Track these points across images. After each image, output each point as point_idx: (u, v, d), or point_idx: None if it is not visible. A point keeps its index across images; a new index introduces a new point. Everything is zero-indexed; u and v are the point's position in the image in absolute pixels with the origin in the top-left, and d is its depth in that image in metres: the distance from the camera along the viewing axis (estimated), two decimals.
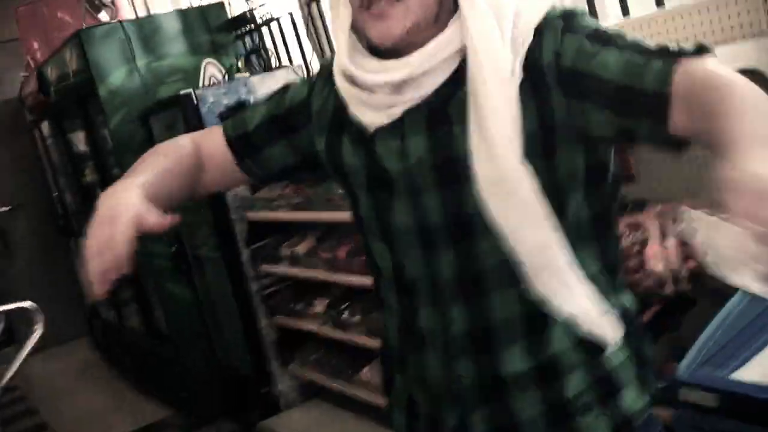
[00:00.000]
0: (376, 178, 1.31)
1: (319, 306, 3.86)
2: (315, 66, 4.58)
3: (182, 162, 1.45)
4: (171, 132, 4.55)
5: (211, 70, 4.89)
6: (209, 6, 4.96)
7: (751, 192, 0.84)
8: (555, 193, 1.20)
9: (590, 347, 1.26)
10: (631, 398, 1.30)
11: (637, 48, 1.13)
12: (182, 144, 1.51)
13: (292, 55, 4.73)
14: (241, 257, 4.27)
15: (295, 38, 4.52)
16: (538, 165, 1.17)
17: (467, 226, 1.22)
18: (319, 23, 4.37)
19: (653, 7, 2.52)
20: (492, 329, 1.27)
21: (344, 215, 3.28)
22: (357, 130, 1.31)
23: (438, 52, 1.20)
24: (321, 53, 4.44)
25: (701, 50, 1.09)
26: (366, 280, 3.32)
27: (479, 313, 1.26)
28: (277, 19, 4.57)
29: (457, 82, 1.20)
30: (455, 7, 1.20)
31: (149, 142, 4.69)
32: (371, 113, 1.27)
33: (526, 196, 1.16)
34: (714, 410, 1.68)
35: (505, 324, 1.26)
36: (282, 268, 4.07)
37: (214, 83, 4.78)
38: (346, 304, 3.67)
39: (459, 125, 1.19)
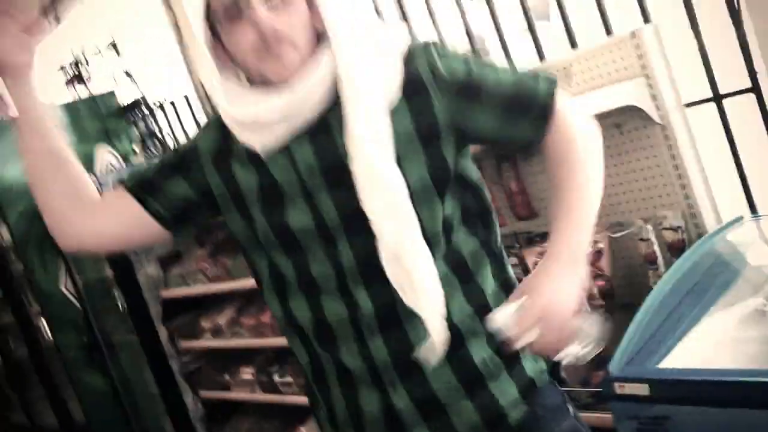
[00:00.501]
0: (269, 191, 1.47)
1: (247, 373, 3.93)
2: None
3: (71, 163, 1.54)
4: None
5: (106, 156, 4.95)
6: (100, 95, 5.05)
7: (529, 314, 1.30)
8: (432, 187, 1.44)
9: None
10: (529, 366, 1.55)
11: (519, 70, 1.52)
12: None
13: (189, 135, 4.86)
14: (158, 337, 4.31)
15: (191, 118, 4.66)
16: (414, 159, 1.41)
17: (359, 221, 1.40)
18: None
19: (538, 62, 2.83)
20: (396, 308, 1.44)
21: None
22: (246, 154, 1.48)
23: (317, 82, 1.39)
24: None
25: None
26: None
27: (382, 296, 1.44)
28: (171, 102, 4.70)
29: (332, 97, 1.41)
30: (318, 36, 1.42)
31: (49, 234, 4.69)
32: (259, 137, 1.43)
33: (392, 192, 1.37)
34: (647, 398, 1.91)
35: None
36: (204, 342, 4.13)
37: (111, 169, 4.85)
38: (276, 366, 3.76)
39: (338, 133, 1.40)
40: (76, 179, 1.54)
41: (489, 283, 1.56)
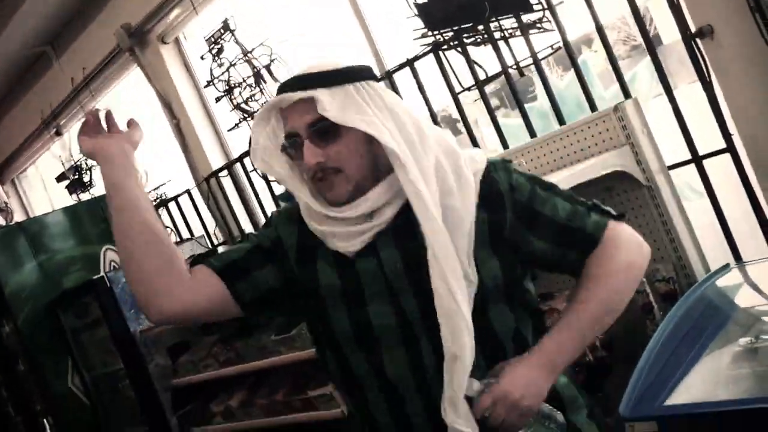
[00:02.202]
0: (353, 293, 1.60)
1: None
2: (219, 235, 4.93)
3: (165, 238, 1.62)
4: (83, 319, 4.71)
5: (111, 255, 5.12)
6: (101, 197, 5.25)
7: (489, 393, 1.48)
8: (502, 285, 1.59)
9: None
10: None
11: (575, 199, 1.65)
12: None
13: (192, 228, 5.06)
14: (169, 426, 4.38)
15: (194, 212, 4.86)
16: (486, 257, 1.56)
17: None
18: (219, 195, 4.73)
19: (527, 137, 3.08)
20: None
21: (280, 359, 3.58)
22: (332, 257, 1.61)
23: (382, 194, 1.56)
24: (224, 223, 4.79)
25: (620, 216, 1.67)
26: (309, 415, 3.59)
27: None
28: (175, 198, 4.91)
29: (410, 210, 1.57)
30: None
31: (60, 332, 4.82)
32: (346, 243, 1.58)
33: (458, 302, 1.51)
34: None
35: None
36: (215, 426, 4.22)
37: (115, 268, 5.01)
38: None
39: (421, 239, 1.54)
40: (172, 253, 1.60)
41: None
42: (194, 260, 1.69)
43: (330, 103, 1.52)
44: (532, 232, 1.60)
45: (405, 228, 1.55)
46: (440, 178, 1.54)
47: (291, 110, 1.56)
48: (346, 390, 1.72)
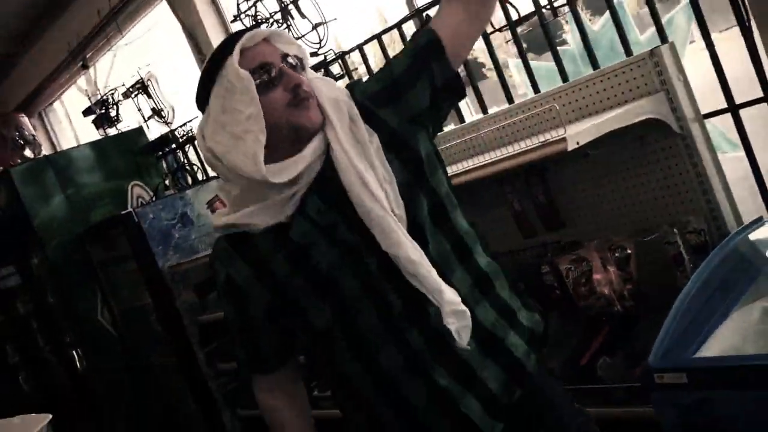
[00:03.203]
0: (301, 258, 1.70)
1: None
2: None
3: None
4: (111, 253, 4.77)
5: (138, 191, 5.16)
6: (129, 132, 5.26)
7: None
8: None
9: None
10: (525, 316, 1.84)
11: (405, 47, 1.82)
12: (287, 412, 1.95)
13: None
14: (197, 359, 4.47)
15: None
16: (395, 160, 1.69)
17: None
18: None
19: (560, 82, 3.03)
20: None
21: None
22: (277, 251, 1.71)
23: (311, 153, 1.66)
24: None
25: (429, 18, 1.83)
26: None
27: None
28: None
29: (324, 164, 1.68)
30: None
31: (88, 265, 4.89)
32: (279, 214, 1.69)
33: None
34: (685, 386, 2.07)
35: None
36: None
37: (142, 203, 5.05)
38: (314, 382, 3.91)
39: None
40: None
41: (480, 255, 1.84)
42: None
43: (291, 45, 1.73)
44: (401, 97, 1.73)
45: (322, 177, 1.68)
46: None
47: (256, 49, 1.68)
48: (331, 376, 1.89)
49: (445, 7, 1.75)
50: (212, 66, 1.68)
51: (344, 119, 1.68)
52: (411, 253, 1.62)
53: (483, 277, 1.79)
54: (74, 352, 5.28)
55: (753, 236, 2.43)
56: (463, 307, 1.65)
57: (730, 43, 2.67)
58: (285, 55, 1.68)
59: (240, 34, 1.68)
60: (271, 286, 1.74)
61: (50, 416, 2.63)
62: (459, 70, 1.77)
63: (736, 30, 2.54)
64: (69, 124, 7.39)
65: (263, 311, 1.79)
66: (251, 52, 1.67)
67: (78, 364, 5.23)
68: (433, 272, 1.64)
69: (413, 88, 1.72)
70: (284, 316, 1.79)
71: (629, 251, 2.69)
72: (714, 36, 2.69)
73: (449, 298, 1.63)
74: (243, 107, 1.63)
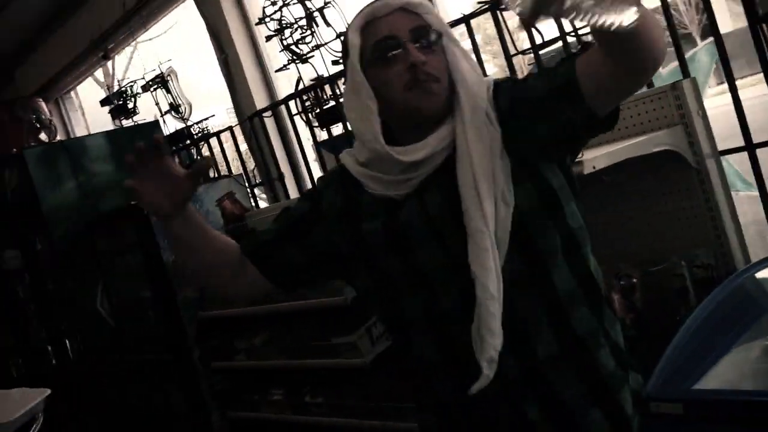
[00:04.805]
0: (401, 239, 1.61)
1: (277, 394, 4.07)
2: (257, 175, 4.96)
3: (226, 241, 1.78)
4: (117, 244, 4.78)
5: None
6: (144, 125, 5.28)
7: None
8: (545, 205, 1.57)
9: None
10: (633, 378, 1.69)
11: (547, 68, 1.61)
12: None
13: (231, 165, 5.09)
14: (191, 356, 4.46)
15: (234, 150, 4.88)
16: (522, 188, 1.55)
17: None
18: (261, 135, 4.74)
19: None
20: (527, 330, 1.57)
21: (307, 303, 3.62)
22: (377, 209, 1.64)
23: (440, 140, 1.57)
24: (263, 163, 4.81)
25: (588, 44, 1.52)
26: (332, 362, 3.63)
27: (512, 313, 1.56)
28: (217, 134, 4.93)
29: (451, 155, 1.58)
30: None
31: (93, 254, 4.90)
32: (396, 189, 1.61)
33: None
34: (681, 417, 2.07)
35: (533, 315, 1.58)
36: (237, 363, 4.29)
37: None
38: (307, 388, 3.91)
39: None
40: (232, 264, 1.75)
41: (603, 294, 1.69)
42: (238, 236, 1.82)
43: (431, 15, 1.57)
44: (521, 123, 1.54)
45: (447, 171, 1.57)
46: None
47: (387, 18, 1.57)
48: (397, 334, 1.74)
49: (594, 54, 1.43)
50: (348, 29, 1.63)
51: (478, 114, 1.55)
52: (490, 283, 1.50)
53: (577, 342, 1.60)
54: (66, 340, 5.27)
55: (760, 275, 2.44)
56: (494, 358, 1.52)
57: (747, 89, 2.69)
58: (419, 27, 1.55)
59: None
60: (349, 234, 1.67)
61: (48, 391, 2.64)
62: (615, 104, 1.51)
63: (756, 77, 2.56)
64: (82, 114, 7.43)
65: (323, 239, 1.70)
66: (382, 21, 1.56)
67: (70, 353, 5.23)
68: (497, 313, 1.50)
69: (545, 120, 1.52)
70: (334, 262, 1.72)
71: (635, 280, 2.70)
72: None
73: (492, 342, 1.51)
74: (358, 76, 1.58)
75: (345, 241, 1.68)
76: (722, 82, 2.66)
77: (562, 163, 1.63)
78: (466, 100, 1.55)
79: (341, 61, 1.72)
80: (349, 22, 1.63)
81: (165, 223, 1.67)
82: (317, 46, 4.09)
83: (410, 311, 1.64)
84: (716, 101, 2.79)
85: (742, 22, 2.69)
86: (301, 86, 4.30)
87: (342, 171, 1.71)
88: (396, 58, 1.54)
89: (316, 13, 4.08)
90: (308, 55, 4.13)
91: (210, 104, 5.25)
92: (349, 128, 3.65)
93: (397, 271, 1.63)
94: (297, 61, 4.20)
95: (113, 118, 5.48)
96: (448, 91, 1.58)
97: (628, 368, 1.68)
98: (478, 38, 3.55)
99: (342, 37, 3.85)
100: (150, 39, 5.72)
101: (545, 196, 1.57)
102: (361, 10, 1.60)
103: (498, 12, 3.30)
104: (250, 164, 4.96)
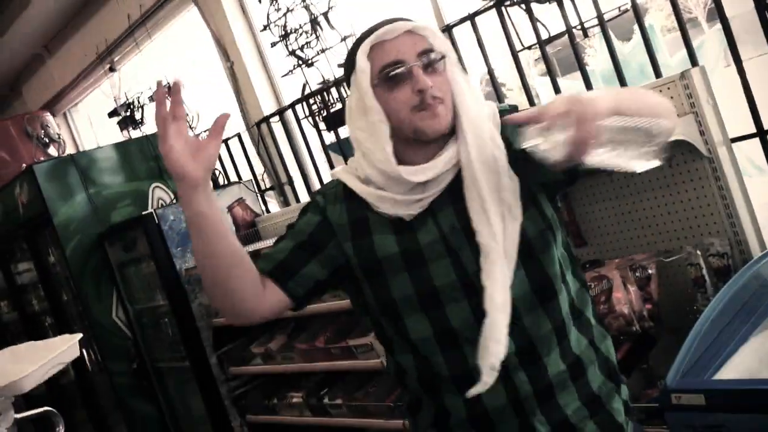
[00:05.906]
0: (413, 257, 1.64)
1: (296, 397, 4.08)
2: (266, 180, 4.96)
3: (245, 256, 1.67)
4: (130, 254, 4.80)
5: (159, 193, 5.19)
6: (152, 135, 5.29)
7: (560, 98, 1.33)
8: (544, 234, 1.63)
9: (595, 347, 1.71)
10: (623, 390, 1.77)
11: None
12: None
13: (240, 172, 5.09)
14: (208, 363, 4.47)
15: (243, 156, 4.88)
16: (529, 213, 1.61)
17: None
18: (269, 140, 4.75)
19: None
20: (534, 344, 1.63)
21: (323, 306, 3.62)
22: (388, 224, 1.66)
23: (447, 161, 1.61)
24: (272, 168, 4.81)
25: None
26: (346, 364, 3.64)
27: (519, 338, 1.61)
28: (225, 141, 4.94)
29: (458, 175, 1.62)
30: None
31: (106, 265, 4.92)
32: (406, 209, 1.64)
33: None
34: (703, 408, 2.06)
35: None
36: (254, 367, 4.30)
37: (162, 205, 5.08)
38: (325, 390, 3.92)
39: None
40: (251, 273, 1.65)
41: (591, 313, 1.76)
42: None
43: (436, 38, 1.62)
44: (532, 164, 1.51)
45: (457, 188, 1.62)
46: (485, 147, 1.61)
47: (394, 42, 1.60)
48: (400, 354, 1.75)
49: None
50: (353, 49, 1.65)
51: (480, 134, 1.60)
52: (497, 294, 1.55)
53: (576, 360, 1.69)
54: (84, 351, 5.29)
55: None
56: (496, 366, 1.57)
57: (759, 70, 2.67)
58: (426, 51, 1.59)
59: (383, 23, 1.62)
60: (358, 251, 1.68)
61: (80, 335, 2.60)
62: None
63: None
64: (90, 128, 7.45)
65: (338, 253, 1.70)
66: (389, 44, 1.60)
67: (88, 364, 5.24)
68: (503, 323, 1.56)
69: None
70: (348, 275, 1.72)
71: (651, 271, 2.69)
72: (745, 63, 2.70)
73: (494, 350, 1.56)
74: (369, 101, 1.61)
75: (355, 256, 1.69)
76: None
77: (553, 196, 1.71)
78: (467, 121, 1.61)
79: (345, 74, 1.73)
80: (355, 41, 1.67)
81: (192, 197, 1.53)
82: (322, 50, 4.10)
83: (418, 330, 1.67)
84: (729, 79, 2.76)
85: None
86: (307, 90, 4.30)
87: (342, 187, 1.74)
88: (403, 81, 1.59)
89: (320, 17, 4.09)
90: (313, 59, 4.14)
91: (219, 109, 5.23)
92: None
93: (406, 289, 1.65)
94: (302, 66, 4.21)
95: (121, 129, 5.50)
96: (452, 111, 1.62)
97: (619, 381, 1.76)
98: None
99: (346, 40, 3.92)
100: (156, 49, 5.73)
101: (546, 222, 1.65)
102: (368, 32, 1.63)
103: (503, 8, 3.29)
104: (259, 169, 4.96)
